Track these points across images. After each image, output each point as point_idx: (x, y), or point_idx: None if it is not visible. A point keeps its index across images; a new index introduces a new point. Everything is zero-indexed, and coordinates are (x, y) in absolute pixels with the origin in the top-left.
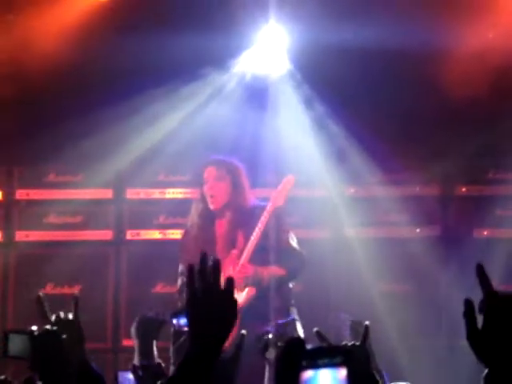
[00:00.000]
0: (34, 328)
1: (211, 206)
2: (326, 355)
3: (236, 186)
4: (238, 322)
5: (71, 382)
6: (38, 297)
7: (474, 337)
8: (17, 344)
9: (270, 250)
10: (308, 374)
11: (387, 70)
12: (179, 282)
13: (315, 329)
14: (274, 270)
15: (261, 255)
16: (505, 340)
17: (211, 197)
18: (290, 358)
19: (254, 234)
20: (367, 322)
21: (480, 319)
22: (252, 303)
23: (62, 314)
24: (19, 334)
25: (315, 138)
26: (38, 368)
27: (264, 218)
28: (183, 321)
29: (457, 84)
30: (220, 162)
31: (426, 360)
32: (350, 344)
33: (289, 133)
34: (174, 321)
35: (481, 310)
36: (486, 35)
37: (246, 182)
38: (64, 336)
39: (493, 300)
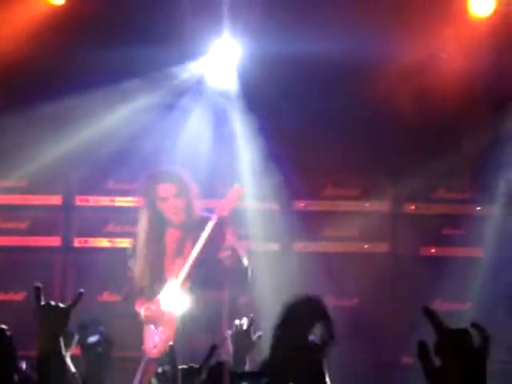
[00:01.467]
0: None
1: (175, 222)
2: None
3: (189, 200)
4: (176, 331)
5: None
6: (37, 287)
7: (433, 376)
8: None
9: (211, 263)
10: None
11: (340, 85)
12: (126, 289)
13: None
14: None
15: (201, 271)
16: (463, 374)
17: (175, 214)
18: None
19: (197, 245)
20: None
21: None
22: (190, 313)
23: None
24: None
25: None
26: None
27: (208, 229)
28: (92, 338)
29: (409, 101)
30: (174, 178)
31: (371, 375)
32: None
33: (239, 145)
34: (82, 335)
35: (437, 353)
36: (439, 53)
37: (195, 194)
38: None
39: (446, 337)
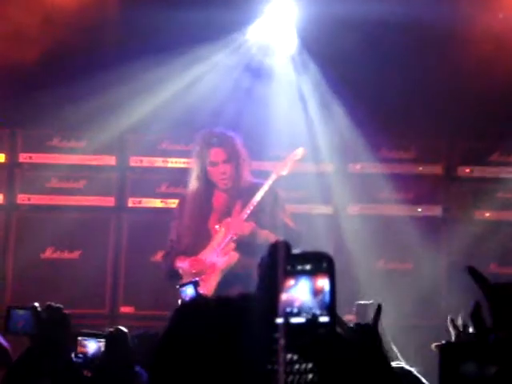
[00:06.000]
0: (37, 304)
1: (222, 186)
2: (309, 261)
3: (238, 166)
4: (217, 284)
5: (69, 356)
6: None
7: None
8: (19, 320)
9: (266, 217)
10: (290, 282)
11: (399, 47)
12: (167, 248)
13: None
14: (268, 235)
15: (258, 217)
16: None
17: (224, 179)
18: (275, 261)
19: (256, 197)
20: (380, 303)
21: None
22: (233, 269)
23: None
24: (21, 309)
25: (322, 114)
26: (40, 343)
27: (267, 184)
28: (190, 291)
29: (466, 63)
30: (226, 143)
31: (422, 339)
32: (362, 324)
33: (295, 107)
34: (182, 293)
35: (472, 316)
36: (497, 15)
37: (245, 160)
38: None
39: (494, 294)
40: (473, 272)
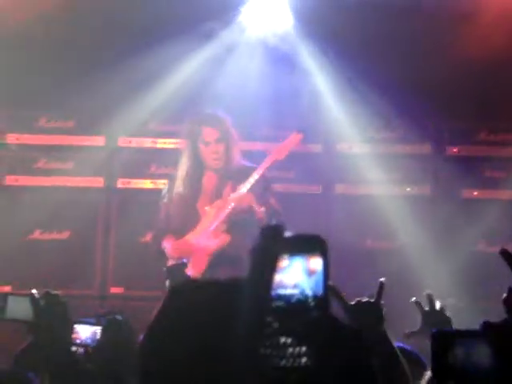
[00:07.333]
0: (34, 291)
1: (214, 166)
2: (302, 243)
3: (229, 147)
4: (207, 266)
5: (68, 346)
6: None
7: None
8: (16, 307)
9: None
10: (283, 263)
11: (386, 25)
12: (155, 229)
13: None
14: (262, 213)
15: (239, 218)
16: None
17: (217, 159)
18: (268, 244)
19: (250, 179)
20: (383, 279)
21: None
22: (223, 251)
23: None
24: (19, 296)
25: (310, 94)
26: (37, 330)
27: (263, 166)
28: (178, 273)
29: (457, 43)
30: (218, 123)
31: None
32: (364, 301)
33: (288, 87)
34: (169, 274)
35: (505, 301)
36: None
37: (235, 141)
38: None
39: None
40: (506, 255)
